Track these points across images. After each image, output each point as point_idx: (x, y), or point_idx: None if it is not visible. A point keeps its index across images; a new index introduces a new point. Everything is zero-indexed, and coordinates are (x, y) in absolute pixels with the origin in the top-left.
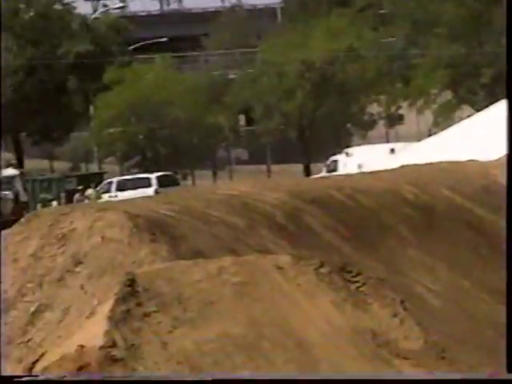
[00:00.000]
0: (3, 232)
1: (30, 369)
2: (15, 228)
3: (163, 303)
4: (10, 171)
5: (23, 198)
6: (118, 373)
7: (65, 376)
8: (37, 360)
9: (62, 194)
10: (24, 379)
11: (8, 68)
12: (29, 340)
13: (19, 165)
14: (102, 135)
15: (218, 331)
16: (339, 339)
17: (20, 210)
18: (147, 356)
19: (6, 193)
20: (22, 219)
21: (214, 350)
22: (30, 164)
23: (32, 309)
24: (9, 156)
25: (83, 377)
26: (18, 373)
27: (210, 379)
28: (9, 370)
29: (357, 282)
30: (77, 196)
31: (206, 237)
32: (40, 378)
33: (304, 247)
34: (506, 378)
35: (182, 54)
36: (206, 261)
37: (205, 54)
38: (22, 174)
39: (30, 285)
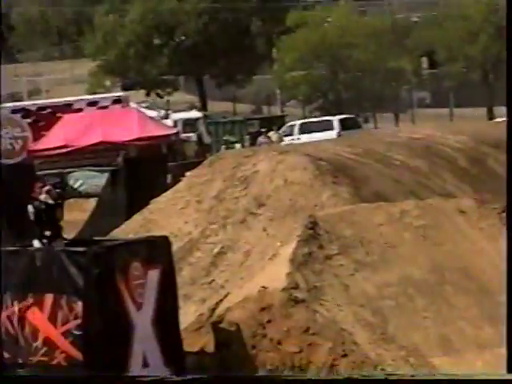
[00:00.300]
0: (188, 173)
1: (213, 309)
2: (199, 170)
3: (345, 246)
4: (194, 113)
5: (206, 140)
6: (299, 314)
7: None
8: (220, 301)
9: (246, 137)
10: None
11: (192, 11)
12: (212, 281)
13: (202, 107)
14: (284, 78)
15: (399, 275)
16: None
17: (203, 152)
18: (329, 298)
19: (190, 135)
20: (206, 161)
21: (396, 294)
22: (212, 106)
23: (215, 250)
24: (192, 98)
25: (84, 377)
26: (202, 312)
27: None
28: (193, 309)
29: None
30: (260, 139)
31: (388, 180)
32: (38, 378)
33: (487, 191)
34: (506, 378)
35: None
36: (387, 204)
37: None
38: (205, 116)
39: (213, 226)
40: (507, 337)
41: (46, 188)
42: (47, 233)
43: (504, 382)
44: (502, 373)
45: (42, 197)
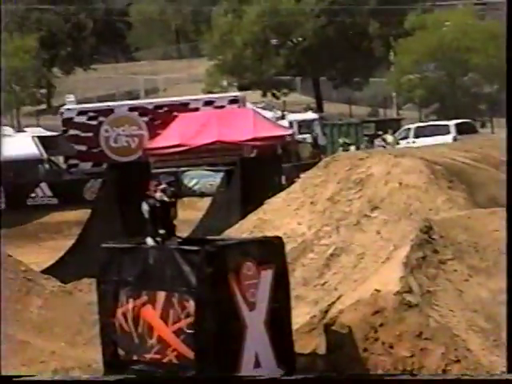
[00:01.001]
0: (302, 175)
1: (326, 311)
2: (313, 171)
3: (459, 251)
4: (310, 115)
5: (321, 141)
6: (412, 318)
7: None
8: (333, 303)
9: (363, 139)
10: (22, 379)
11: (310, 12)
12: (324, 283)
13: (318, 109)
14: (401, 81)
15: None
16: None
17: (318, 153)
18: (442, 303)
19: (305, 136)
20: (321, 163)
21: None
22: (328, 108)
23: (328, 252)
24: (308, 100)
25: (83, 377)
26: (314, 314)
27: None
28: (305, 310)
29: None
30: (376, 141)
31: (504, 186)
32: (37, 378)
33: None
34: (506, 378)
35: (483, 1)
36: (503, 210)
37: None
38: (321, 117)
39: (326, 228)
40: (507, 337)
41: (162, 186)
42: (161, 231)
43: (504, 381)
44: (502, 373)
45: (158, 195)
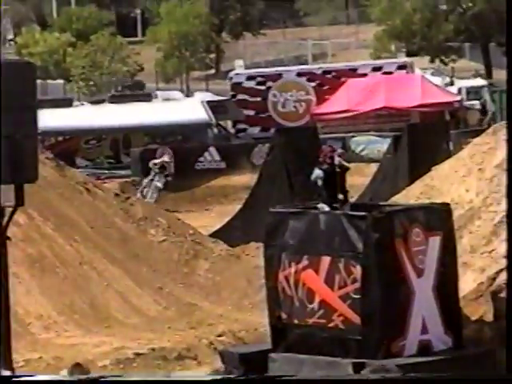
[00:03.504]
0: (471, 141)
1: (493, 279)
2: (482, 138)
3: None
4: (478, 81)
5: (490, 108)
6: None
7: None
8: (500, 270)
9: None
10: (22, 379)
11: None
12: (492, 250)
13: (487, 75)
14: None
15: None
16: None
17: (487, 120)
18: None
19: (474, 103)
20: (489, 129)
21: None
22: (498, 74)
23: (496, 219)
24: (477, 66)
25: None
26: (482, 281)
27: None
28: (472, 277)
29: None
30: None
31: None
32: (37, 378)
33: None
34: (506, 378)
35: None
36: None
37: None
38: (490, 84)
39: (495, 195)
40: (507, 337)
41: (339, 151)
42: (340, 196)
43: (504, 381)
44: (502, 373)
45: (337, 160)
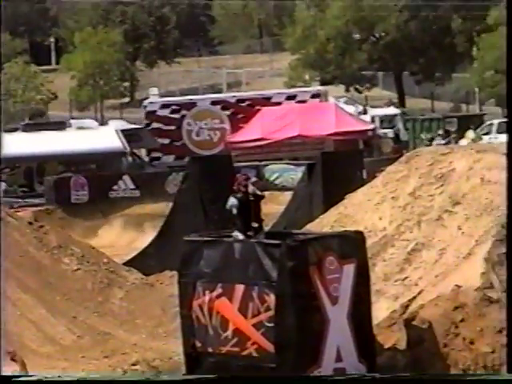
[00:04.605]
0: (384, 169)
1: (406, 306)
2: (395, 166)
3: None
4: (392, 110)
5: (403, 136)
6: (493, 314)
7: (59, 376)
8: (413, 298)
9: (444, 135)
10: (22, 379)
11: (393, 7)
12: (405, 278)
13: (400, 104)
14: (483, 77)
15: None
16: None
17: (400, 148)
18: None
19: (387, 131)
20: (402, 158)
21: None
22: (410, 103)
23: (409, 247)
24: (390, 94)
25: (80, 377)
26: (395, 309)
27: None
28: (385, 305)
29: None
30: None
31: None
32: (36, 378)
33: None
34: (506, 378)
35: None
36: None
37: None
38: (403, 112)
39: (408, 223)
40: (507, 337)
41: (253, 180)
42: (255, 225)
43: (504, 382)
44: (502, 373)
45: (251, 189)
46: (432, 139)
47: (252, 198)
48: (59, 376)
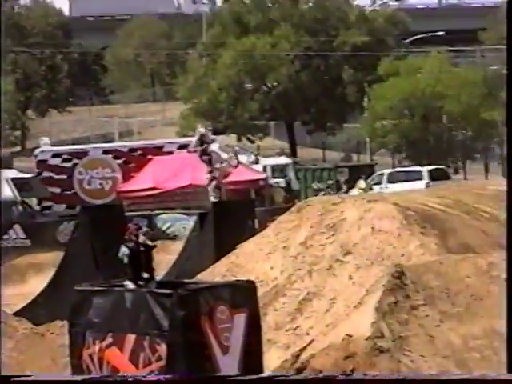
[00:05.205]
0: (275, 218)
1: (297, 356)
2: (286, 216)
3: (431, 297)
4: (283, 159)
5: (295, 186)
6: (383, 363)
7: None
8: (304, 347)
9: (334, 185)
10: (21, 379)
11: (285, 57)
12: (296, 327)
13: (292, 153)
14: (374, 127)
15: (485, 327)
16: None
17: (292, 198)
18: (414, 349)
19: (279, 180)
20: (294, 207)
21: (482, 346)
22: (302, 153)
23: (300, 296)
24: (282, 144)
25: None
26: (286, 358)
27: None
28: (276, 355)
29: None
30: (347, 187)
31: (476, 232)
32: (36, 378)
33: None
34: (506, 378)
35: (457, 48)
36: (475, 256)
37: (481, 49)
38: (294, 162)
39: (299, 272)
40: (507, 337)
41: (144, 230)
42: (145, 275)
43: (504, 382)
44: (502, 373)
45: (141, 238)
46: (323, 189)
47: (142, 248)
48: (60, 376)
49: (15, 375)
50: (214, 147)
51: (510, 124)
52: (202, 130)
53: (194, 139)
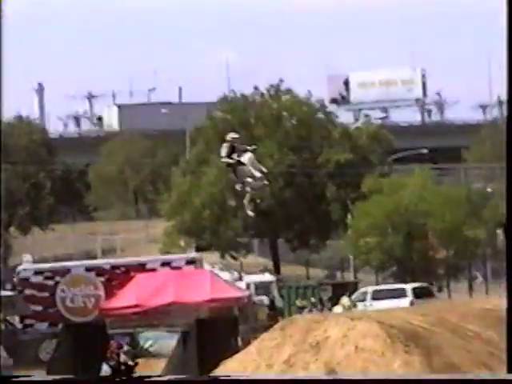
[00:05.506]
0: (261, 336)
1: None
2: (270, 333)
3: None
4: (267, 277)
5: (279, 303)
6: None
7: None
8: None
9: (318, 302)
10: (20, 379)
11: (268, 175)
12: None
13: (276, 270)
14: (358, 244)
15: None
16: None
17: (275, 315)
18: None
19: (262, 298)
20: (277, 325)
21: None
22: (286, 270)
23: None
24: (266, 261)
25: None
26: None
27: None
28: None
29: None
30: (331, 304)
31: (461, 350)
32: (35, 379)
33: None
34: (506, 378)
35: (441, 166)
36: (461, 374)
37: (464, 167)
38: (278, 279)
39: None
40: (507, 337)
41: (125, 349)
42: None
43: (504, 382)
44: (502, 373)
45: (122, 358)
46: (307, 307)
47: (123, 367)
48: (60, 377)
49: (15, 375)
50: (245, 159)
51: (510, 124)
52: (232, 135)
53: (224, 146)
